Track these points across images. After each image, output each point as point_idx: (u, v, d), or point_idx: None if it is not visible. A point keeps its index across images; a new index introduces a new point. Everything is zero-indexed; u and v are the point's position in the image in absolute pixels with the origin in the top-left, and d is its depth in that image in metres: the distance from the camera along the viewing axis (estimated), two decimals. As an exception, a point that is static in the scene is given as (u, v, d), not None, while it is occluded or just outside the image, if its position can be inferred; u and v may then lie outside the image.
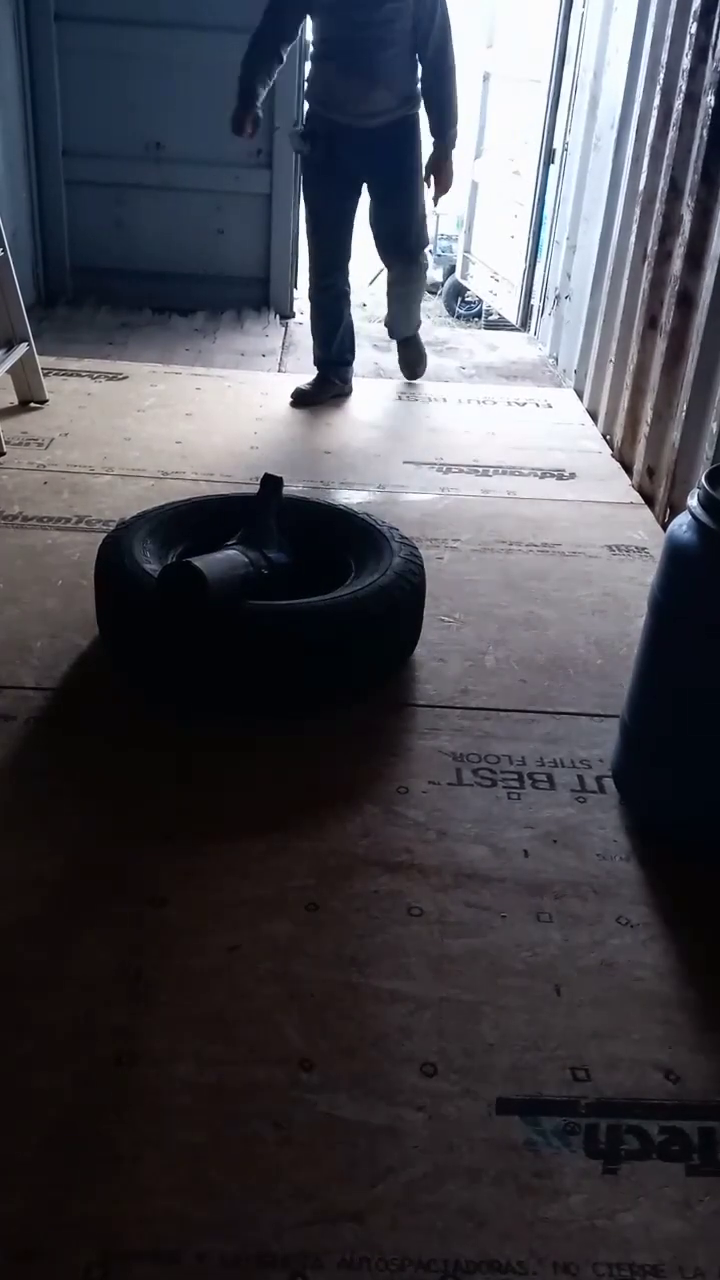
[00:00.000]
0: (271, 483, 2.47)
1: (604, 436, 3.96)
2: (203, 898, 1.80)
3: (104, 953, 1.69)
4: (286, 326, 5.17)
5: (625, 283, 3.84)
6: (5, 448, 3.41)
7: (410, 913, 1.80)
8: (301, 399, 4.05)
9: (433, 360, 4.74)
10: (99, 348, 4.58)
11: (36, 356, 3.76)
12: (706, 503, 1.82)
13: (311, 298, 4.13)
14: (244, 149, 4.88)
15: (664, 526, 3.13)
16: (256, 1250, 1.32)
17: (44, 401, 3.81)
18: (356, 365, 4.31)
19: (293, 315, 5.32)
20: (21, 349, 3.66)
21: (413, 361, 4.47)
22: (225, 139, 4.98)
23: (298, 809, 2.02)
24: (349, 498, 3.27)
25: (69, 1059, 1.53)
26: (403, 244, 4.08)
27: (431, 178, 3.95)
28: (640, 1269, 1.34)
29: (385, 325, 4.47)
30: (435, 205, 4.15)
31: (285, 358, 4.76)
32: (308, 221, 4.02)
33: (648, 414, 3.47)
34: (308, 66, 3.90)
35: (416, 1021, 1.62)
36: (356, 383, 4.28)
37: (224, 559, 2.22)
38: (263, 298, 5.29)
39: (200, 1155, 1.42)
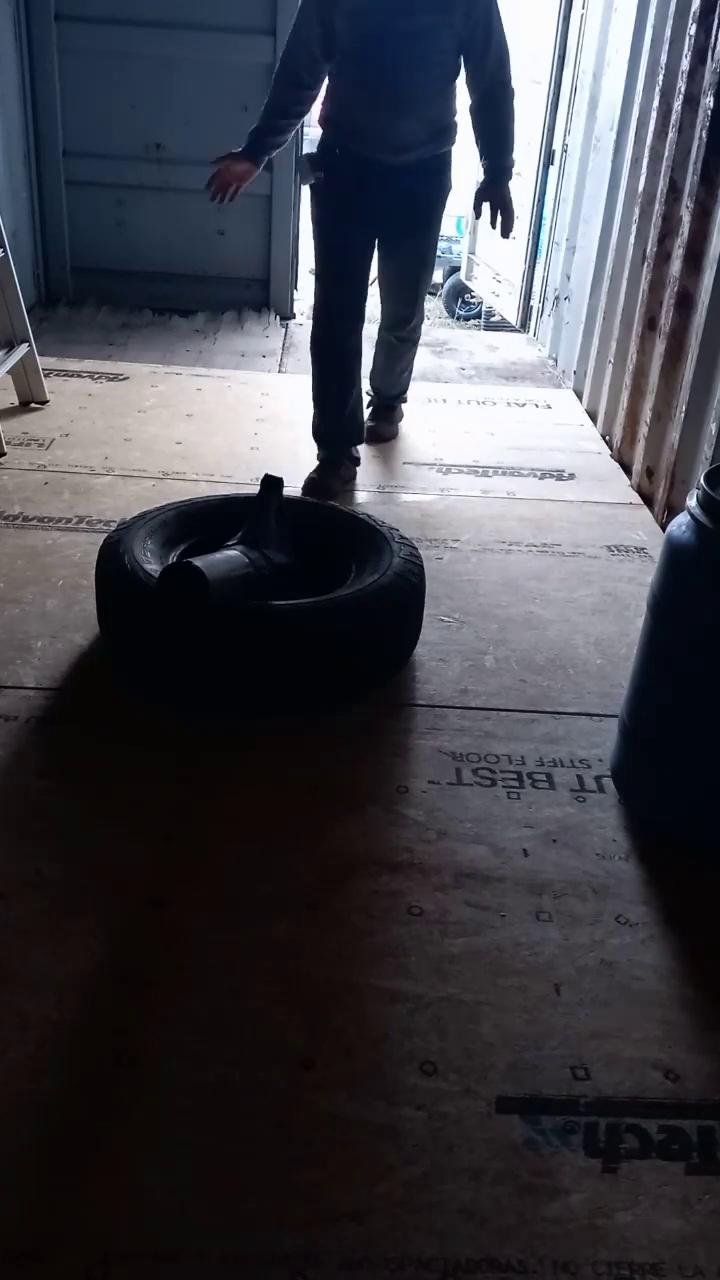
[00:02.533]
0: (272, 483, 2.47)
1: (603, 437, 3.97)
2: (203, 898, 1.80)
3: (104, 953, 1.70)
4: (287, 327, 5.18)
5: (624, 284, 3.84)
6: (6, 448, 3.41)
7: (410, 913, 1.81)
8: (315, 489, 3.24)
9: (433, 361, 4.75)
10: (99, 348, 4.59)
11: (37, 357, 3.76)
12: (705, 503, 1.83)
13: (316, 356, 3.34)
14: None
15: (663, 527, 3.14)
16: (256, 1250, 1.32)
17: (45, 402, 3.82)
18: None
19: (293, 316, 5.32)
20: (22, 349, 3.67)
21: (384, 432, 3.78)
22: (225, 139, 4.99)
23: (298, 809, 2.02)
24: (349, 498, 3.27)
25: (69, 1059, 1.53)
26: (412, 295, 3.51)
27: (489, 210, 3.24)
28: (640, 1268, 1.34)
29: (370, 381, 3.70)
30: (506, 238, 3.52)
31: (285, 358, 4.76)
32: (317, 263, 3.30)
33: (647, 415, 3.47)
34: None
35: (416, 1021, 1.62)
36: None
37: (224, 559, 2.23)
38: (263, 298, 5.30)
39: (200, 1155, 1.42)
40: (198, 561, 2.13)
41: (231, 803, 2.02)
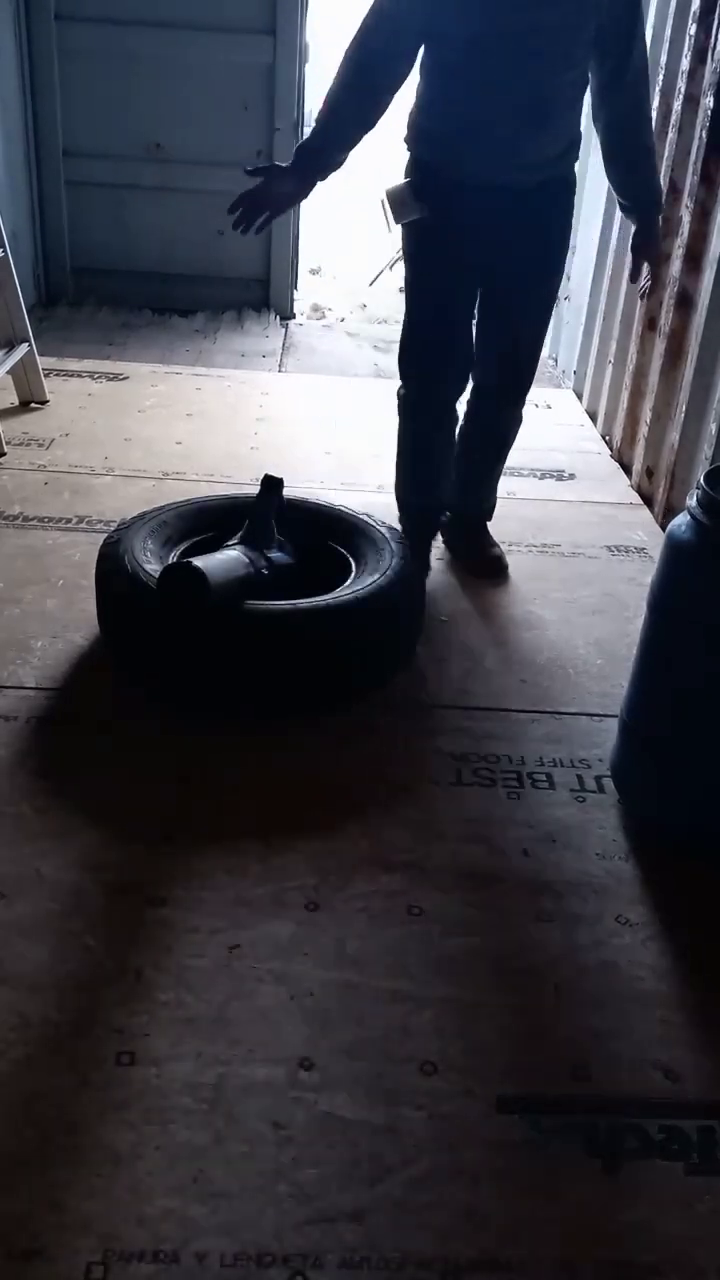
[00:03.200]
0: (272, 483, 2.47)
1: (603, 437, 3.97)
2: (203, 898, 1.80)
3: (104, 953, 1.69)
4: (287, 327, 5.17)
5: (624, 284, 3.83)
6: (6, 448, 3.41)
7: (410, 913, 1.81)
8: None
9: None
10: (99, 348, 4.58)
11: (37, 357, 3.76)
12: (705, 503, 1.83)
13: (408, 422, 2.77)
14: (244, 149, 4.87)
15: (663, 527, 3.13)
16: (256, 1250, 1.32)
17: (44, 402, 3.81)
18: (356, 365, 4.23)
19: (293, 316, 5.32)
20: (22, 349, 3.67)
21: (496, 564, 2.91)
22: (225, 139, 5.01)
23: (298, 809, 2.02)
24: (349, 498, 3.27)
25: (69, 1059, 1.53)
26: (521, 368, 2.72)
27: (638, 266, 2.65)
28: (640, 1268, 1.34)
29: (458, 495, 2.91)
30: (643, 300, 3.09)
31: (285, 358, 4.76)
32: (411, 312, 2.62)
33: (647, 415, 3.47)
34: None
35: (416, 1021, 1.62)
36: (356, 382, 4.22)
37: (224, 559, 2.22)
38: (263, 299, 5.29)
39: (200, 1155, 1.42)
40: (197, 561, 2.13)
41: (231, 803, 2.02)
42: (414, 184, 2.45)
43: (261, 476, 2.49)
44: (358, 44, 2.29)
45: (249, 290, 5.29)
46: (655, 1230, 1.38)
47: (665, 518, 3.22)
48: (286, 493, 2.51)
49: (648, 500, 3.42)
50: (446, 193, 2.41)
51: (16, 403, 3.79)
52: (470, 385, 2.75)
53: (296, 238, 5.23)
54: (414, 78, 2.39)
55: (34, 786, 2.03)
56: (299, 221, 5.19)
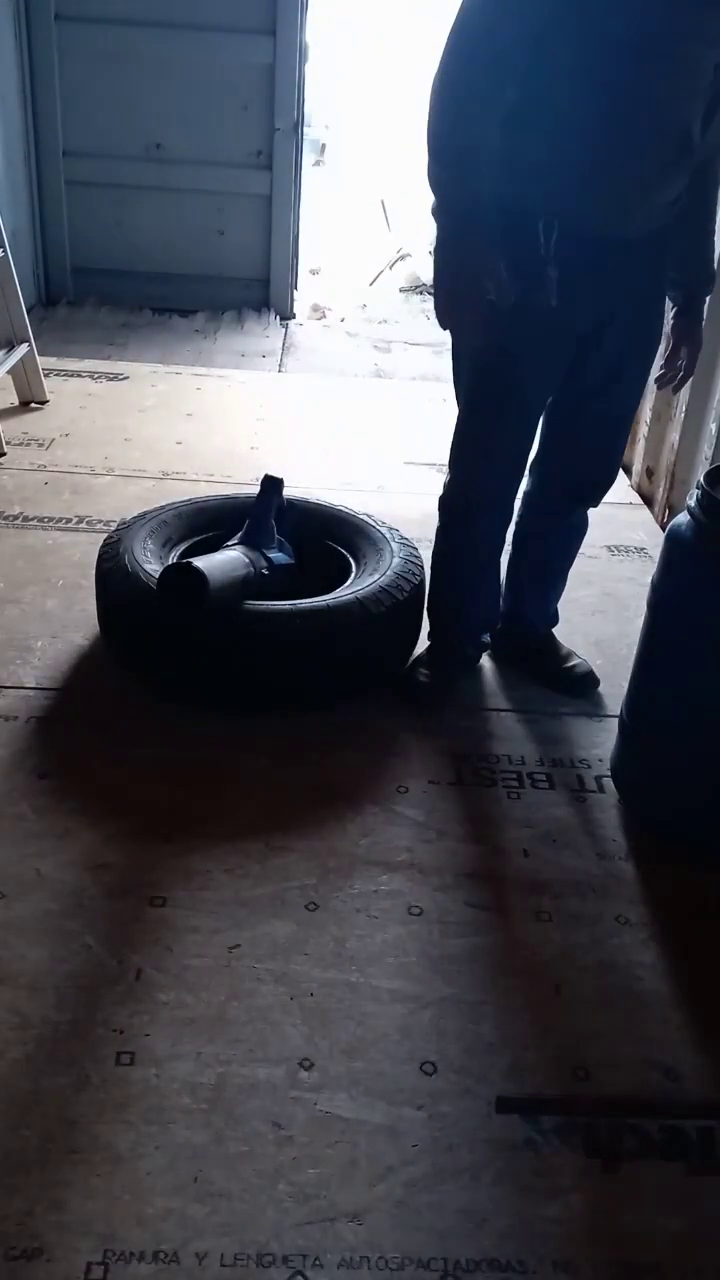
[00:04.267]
0: (272, 483, 2.47)
1: (604, 437, 3.96)
2: (203, 898, 1.80)
3: (104, 953, 1.70)
4: (287, 327, 5.17)
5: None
6: (6, 448, 3.41)
7: (410, 913, 1.81)
8: (416, 691, 2.33)
9: (433, 361, 4.74)
10: (99, 348, 4.58)
11: (37, 357, 3.76)
12: (705, 503, 1.83)
13: (451, 534, 2.29)
14: (244, 149, 4.89)
15: (663, 527, 3.13)
16: (256, 1250, 1.32)
17: (45, 402, 3.81)
18: (356, 365, 4.21)
19: (293, 316, 5.32)
20: (22, 349, 3.67)
21: (586, 680, 2.42)
22: (225, 139, 5.01)
23: (298, 809, 2.02)
24: (349, 498, 3.27)
25: (69, 1059, 1.53)
26: (616, 458, 2.27)
27: (676, 357, 2.15)
28: (640, 1268, 1.34)
29: (517, 604, 2.45)
30: (675, 394, 2.71)
31: (285, 358, 4.76)
32: (479, 411, 2.09)
33: (647, 414, 3.47)
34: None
35: (416, 1021, 1.62)
36: (356, 383, 4.21)
37: (224, 559, 2.22)
38: (263, 298, 5.29)
39: (200, 1155, 1.42)
40: (197, 561, 2.13)
41: (231, 803, 2.02)
42: (507, 252, 1.78)
43: (261, 476, 2.49)
44: (455, 65, 1.71)
45: (249, 290, 5.29)
46: (655, 1230, 1.38)
47: (665, 518, 3.22)
48: (286, 493, 2.51)
49: (648, 500, 3.42)
50: (545, 253, 1.82)
51: (16, 403, 3.79)
52: (536, 480, 2.27)
53: (296, 238, 5.22)
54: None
55: (34, 786, 2.03)
56: (299, 221, 5.19)
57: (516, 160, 1.79)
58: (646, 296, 2.03)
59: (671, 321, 2.13)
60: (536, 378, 2.04)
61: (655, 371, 2.17)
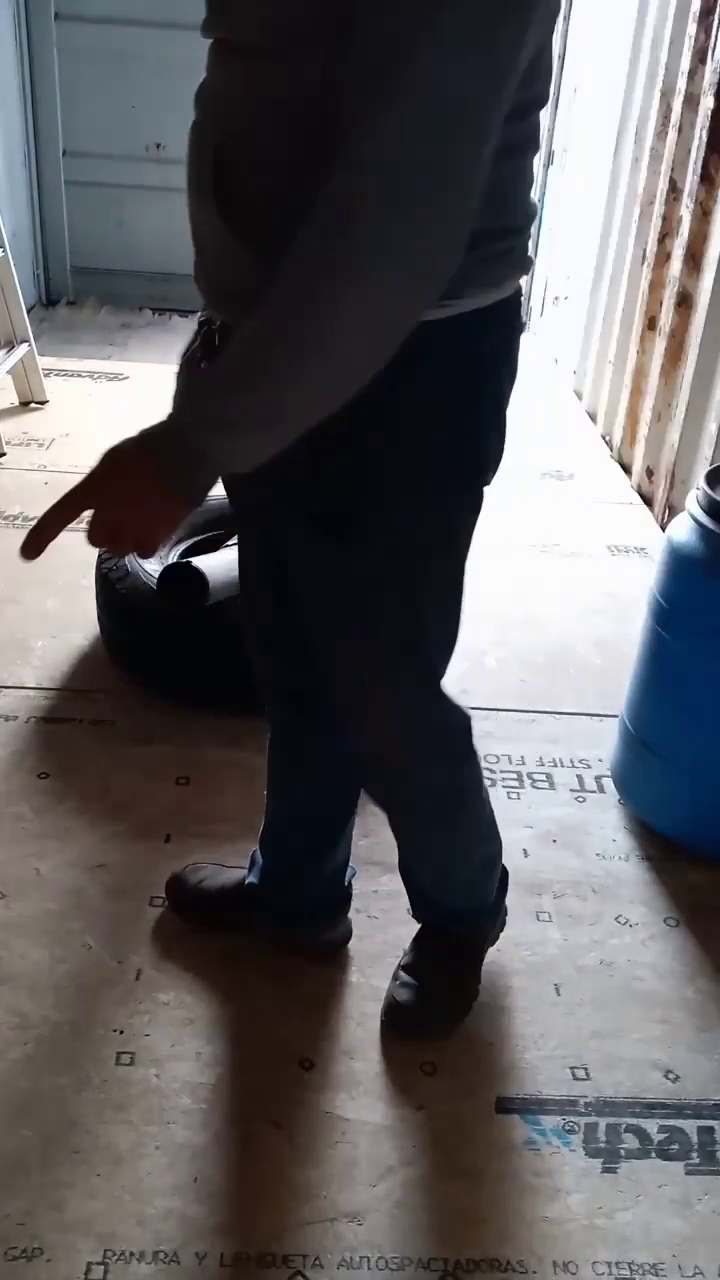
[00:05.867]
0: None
1: (603, 437, 3.96)
2: (203, 898, 1.80)
3: (104, 953, 1.69)
4: (286, 327, 5.18)
5: (624, 284, 3.84)
6: (6, 448, 3.41)
7: (410, 913, 1.80)
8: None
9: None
10: (99, 348, 4.58)
11: (37, 357, 3.75)
12: (706, 504, 1.83)
13: (471, 761, 1.49)
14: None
15: (663, 527, 3.13)
16: (256, 1250, 1.32)
17: (45, 402, 3.81)
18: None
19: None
20: (22, 349, 3.66)
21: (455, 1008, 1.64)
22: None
23: (298, 809, 2.02)
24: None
25: (69, 1059, 1.53)
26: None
27: None
28: (640, 1268, 1.34)
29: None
30: None
31: (285, 358, 4.76)
32: (455, 586, 1.30)
33: (647, 414, 3.47)
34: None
35: (416, 1021, 1.62)
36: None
37: (224, 559, 2.22)
38: (263, 298, 5.30)
39: (200, 1155, 1.42)
40: (198, 561, 2.13)
41: (231, 803, 2.02)
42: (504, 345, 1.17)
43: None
44: (474, 110, 0.89)
45: (249, 290, 5.29)
46: (655, 1229, 1.38)
47: (665, 518, 3.22)
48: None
49: (648, 500, 3.42)
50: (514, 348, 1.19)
51: (16, 403, 3.79)
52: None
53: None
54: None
55: (34, 786, 2.03)
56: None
57: (508, 236, 1.12)
58: None
59: None
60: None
61: None
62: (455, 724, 1.42)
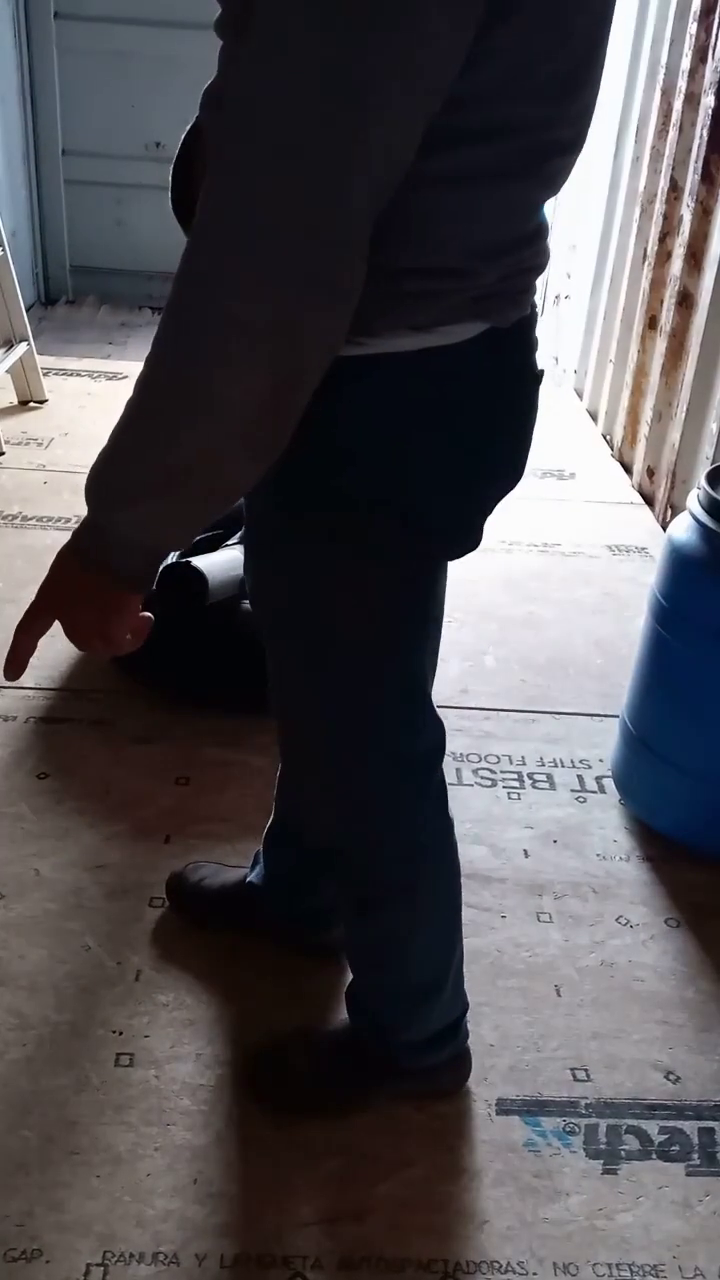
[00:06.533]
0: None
1: (604, 437, 3.96)
2: (203, 898, 1.80)
3: (104, 953, 1.69)
4: (286, 326, 5.18)
5: (625, 283, 3.83)
6: (5, 447, 3.41)
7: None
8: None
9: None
10: (99, 348, 4.58)
11: (36, 356, 3.75)
12: (707, 503, 1.82)
13: (441, 820, 1.48)
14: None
15: (664, 526, 3.13)
16: (256, 1250, 1.32)
17: (44, 401, 3.81)
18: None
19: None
20: (21, 349, 3.66)
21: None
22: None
23: (298, 809, 2.02)
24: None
25: (69, 1059, 1.53)
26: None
27: None
28: (640, 1269, 1.34)
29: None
30: None
31: (285, 358, 4.76)
32: (411, 648, 1.30)
33: (647, 414, 3.47)
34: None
35: (416, 1022, 1.62)
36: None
37: (224, 559, 2.22)
38: (263, 298, 5.30)
39: (200, 1156, 1.42)
40: (197, 561, 2.13)
41: (231, 803, 2.02)
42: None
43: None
44: (363, 150, 0.78)
45: (249, 290, 5.28)
46: (655, 1230, 1.38)
47: (666, 517, 3.21)
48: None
49: (648, 500, 3.42)
50: (508, 396, 1.08)
51: (15, 402, 3.78)
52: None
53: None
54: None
55: (34, 786, 2.03)
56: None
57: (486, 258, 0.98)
58: None
59: None
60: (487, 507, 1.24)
61: None
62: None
